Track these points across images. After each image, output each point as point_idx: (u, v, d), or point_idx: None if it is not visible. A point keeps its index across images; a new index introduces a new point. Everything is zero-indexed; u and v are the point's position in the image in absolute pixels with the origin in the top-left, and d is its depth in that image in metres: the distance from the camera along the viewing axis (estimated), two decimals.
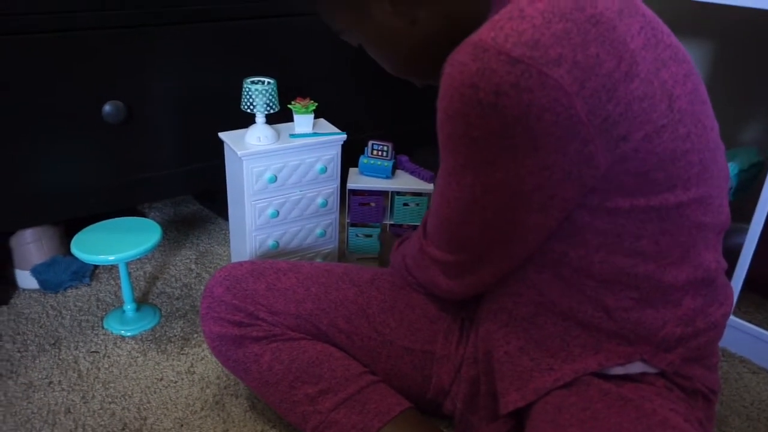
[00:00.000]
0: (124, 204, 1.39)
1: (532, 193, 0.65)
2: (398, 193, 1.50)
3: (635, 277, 0.71)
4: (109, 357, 1.18)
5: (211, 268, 1.50)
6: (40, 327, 1.26)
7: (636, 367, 0.75)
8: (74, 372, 1.14)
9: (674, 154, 0.65)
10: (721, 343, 1.28)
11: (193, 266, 1.50)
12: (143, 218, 1.29)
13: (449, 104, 0.63)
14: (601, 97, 0.60)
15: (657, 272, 0.70)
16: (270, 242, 1.34)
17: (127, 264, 1.22)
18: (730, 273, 1.21)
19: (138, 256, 1.18)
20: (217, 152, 1.48)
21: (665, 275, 0.70)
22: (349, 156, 1.68)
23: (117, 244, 1.19)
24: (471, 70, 0.60)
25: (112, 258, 1.16)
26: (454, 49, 0.64)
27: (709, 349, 0.77)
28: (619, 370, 0.75)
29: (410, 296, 0.96)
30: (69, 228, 1.51)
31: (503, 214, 0.68)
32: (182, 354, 1.20)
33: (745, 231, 1.19)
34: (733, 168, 1.32)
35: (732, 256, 1.15)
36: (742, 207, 1.28)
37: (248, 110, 1.24)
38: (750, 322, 1.27)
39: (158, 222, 1.71)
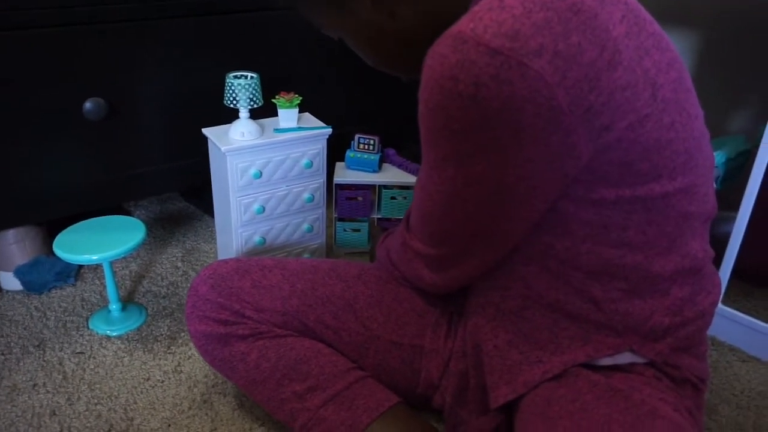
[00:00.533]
0: (108, 202, 1.37)
1: (514, 185, 0.64)
2: (385, 186, 1.49)
3: (623, 267, 0.70)
4: (94, 358, 1.17)
5: (197, 265, 1.48)
6: (24, 329, 1.24)
7: (624, 358, 0.75)
8: (59, 374, 1.13)
9: (659, 144, 0.64)
10: (711, 332, 1.28)
11: (179, 264, 1.48)
12: (127, 216, 1.27)
13: (429, 97, 0.63)
14: (583, 87, 0.59)
15: (644, 262, 0.70)
16: (256, 238, 1.33)
17: (112, 263, 1.20)
18: (718, 262, 1.21)
19: (122, 255, 1.17)
20: (201, 148, 1.46)
21: (653, 265, 0.70)
22: (336, 150, 1.66)
23: (100, 243, 1.17)
24: (450, 62, 0.59)
25: (95, 258, 1.14)
26: (435, 41, 0.63)
27: (697, 338, 0.77)
28: (607, 361, 0.75)
29: (397, 290, 0.95)
30: (52, 228, 1.49)
31: (485, 206, 0.67)
32: (169, 353, 1.19)
33: (732, 219, 1.19)
34: (720, 157, 1.32)
35: (720, 244, 1.15)
36: (730, 196, 1.28)
37: (231, 105, 1.22)
38: (739, 310, 1.27)
39: (143, 220, 1.69)
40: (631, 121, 0.62)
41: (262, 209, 1.30)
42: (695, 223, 0.71)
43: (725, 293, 1.25)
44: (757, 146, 1.15)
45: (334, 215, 1.50)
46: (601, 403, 0.70)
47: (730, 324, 1.25)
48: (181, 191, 1.83)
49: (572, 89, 0.59)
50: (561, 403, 0.72)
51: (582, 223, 0.68)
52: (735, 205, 1.18)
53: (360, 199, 1.48)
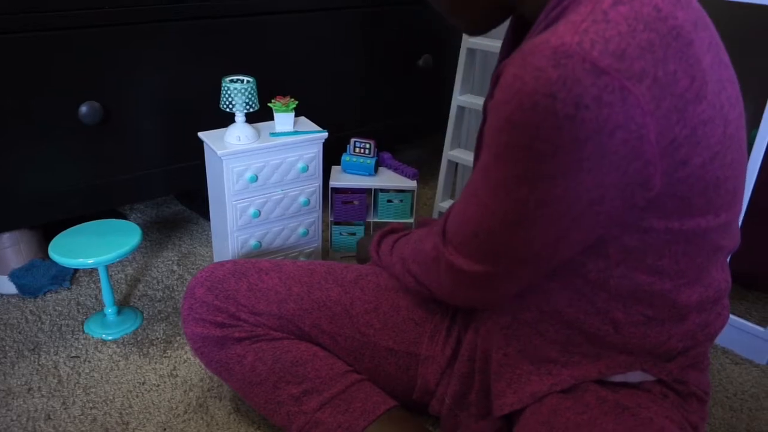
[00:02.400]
0: (104, 206, 1.37)
1: (584, 210, 0.62)
2: (381, 190, 1.49)
3: (651, 294, 0.70)
4: (89, 362, 1.17)
5: (193, 269, 1.48)
6: (19, 333, 1.24)
7: (635, 376, 0.75)
8: (54, 378, 1.12)
9: (717, 182, 0.63)
10: None
11: (175, 268, 1.48)
12: (123, 220, 1.27)
13: (516, 111, 0.57)
14: (672, 118, 0.57)
15: (673, 291, 0.69)
16: (252, 242, 1.33)
17: (107, 267, 1.20)
18: None
19: (118, 259, 1.16)
20: (197, 152, 1.46)
21: (680, 294, 0.70)
22: (332, 154, 1.67)
23: (96, 247, 1.17)
24: (550, 78, 0.54)
25: (91, 261, 1.14)
26: (524, 49, 0.58)
27: (703, 354, 0.77)
28: (618, 378, 0.75)
29: (395, 298, 0.95)
30: (47, 232, 1.49)
31: (549, 229, 0.64)
32: (164, 357, 1.19)
33: None
34: None
35: None
36: None
37: (227, 109, 1.22)
38: (732, 313, 1.28)
39: (140, 224, 1.69)
40: (704, 158, 0.61)
41: (258, 213, 1.30)
42: (723, 255, 0.71)
43: None
44: (749, 150, 1.16)
45: (330, 219, 1.50)
46: (608, 419, 0.70)
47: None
48: (177, 195, 1.83)
49: (662, 119, 0.57)
50: (567, 415, 0.72)
51: (621, 248, 0.67)
52: None
53: (356, 203, 1.49)
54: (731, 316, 1.25)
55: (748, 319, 1.25)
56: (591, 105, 0.54)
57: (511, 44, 0.80)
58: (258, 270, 0.97)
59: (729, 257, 0.75)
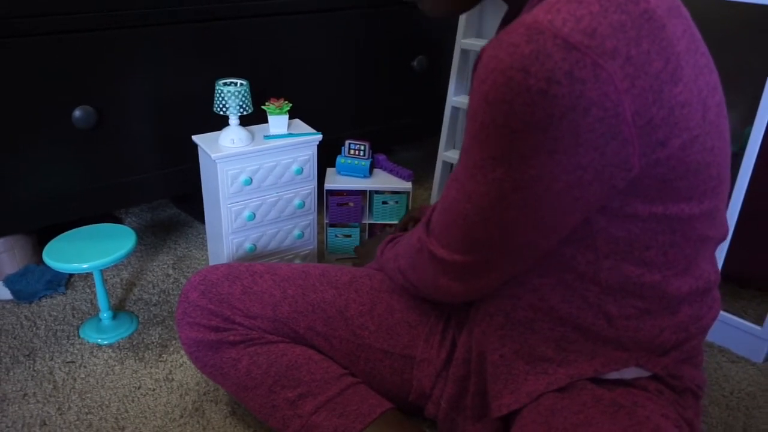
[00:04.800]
0: (98, 210, 1.37)
1: (562, 192, 0.62)
2: (376, 191, 1.49)
3: (641, 286, 0.70)
4: (85, 367, 1.16)
5: (188, 272, 1.48)
6: (14, 338, 1.24)
7: (630, 372, 0.75)
8: (49, 383, 1.12)
9: (699, 166, 0.63)
10: None
11: (170, 271, 1.48)
12: (117, 224, 1.27)
13: (491, 89, 0.58)
14: (648, 98, 0.57)
15: (662, 283, 0.70)
16: (247, 245, 1.33)
17: (102, 271, 1.20)
18: None
19: (112, 264, 1.16)
20: (192, 155, 1.46)
21: (669, 285, 0.70)
22: (327, 156, 1.67)
23: (91, 251, 1.17)
24: (523, 53, 0.55)
25: (85, 266, 1.13)
26: (500, 32, 0.59)
27: (697, 349, 0.77)
28: (614, 375, 0.75)
29: (390, 300, 0.95)
30: (42, 237, 1.49)
31: (527, 213, 0.64)
32: (160, 361, 1.18)
33: None
34: None
35: None
36: None
37: (221, 112, 1.22)
38: (727, 311, 1.28)
39: (135, 227, 1.68)
40: (683, 140, 0.61)
41: (253, 216, 1.30)
42: (711, 246, 0.72)
43: None
44: (742, 149, 1.16)
45: (326, 221, 1.50)
46: (605, 418, 0.70)
47: (719, 325, 1.26)
48: (171, 198, 1.83)
49: (638, 98, 0.57)
50: (564, 414, 0.72)
51: (608, 239, 0.67)
52: None
53: (351, 204, 1.48)
54: (727, 315, 1.25)
55: (744, 317, 1.25)
56: (563, 80, 0.55)
57: None
58: (252, 273, 0.97)
59: (717, 249, 0.75)
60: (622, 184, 0.63)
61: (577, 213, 0.64)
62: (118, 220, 1.70)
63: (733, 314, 1.26)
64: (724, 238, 0.73)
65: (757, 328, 1.21)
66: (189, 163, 1.46)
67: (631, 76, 0.56)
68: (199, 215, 1.71)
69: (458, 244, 0.70)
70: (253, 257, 1.35)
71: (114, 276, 1.45)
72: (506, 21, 0.77)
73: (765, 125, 1.12)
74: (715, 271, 0.75)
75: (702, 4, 1.22)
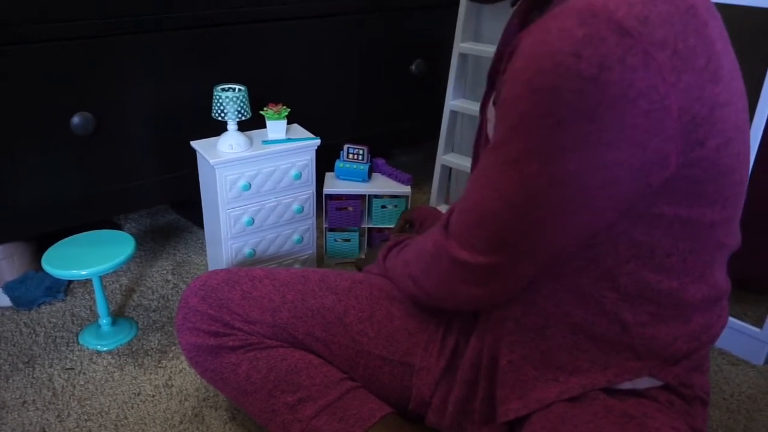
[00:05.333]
0: (98, 216, 1.37)
1: (598, 190, 0.59)
2: (375, 196, 1.49)
3: (659, 293, 0.69)
4: (84, 373, 1.16)
5: (188, 278, 1.48)
6: (13, 345, 1.23)
7: (643, 382, 0.74)
8: (49, 390, 1.12)
9: (727, 170, 0.62)
10: None
11: (169, 277, 1.48)
12: (116, 230, 1.27)
13: (536, 76, 0.55)
14: (692, 95, 0.56)
15: (680, 290, 0.69)
16: (246, 250, 1.33)
17: (102, 278, 1.20)
18: None
19: (111, 270, 1.16)
20: (191, 160, 1.46)
21: (685, 293, 0.69)
22: (326, 160, 1.67)
23: (90, 258, 1.17)
24: (576, 36, 0.53)
25: (84, 273, 1.13)
26: (544, 18, 0.56)
27: (705, 357, 0.77)
28: (627, 385, 0.74)
29: (390, 307, 0.95)
30: (41, 243, 1.49)
31: (561, 212, 0.61)
32: (160, 367, 1.18)
33: None
34: None
35: None
36: None
37: (219, 118, 1.22)
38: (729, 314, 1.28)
39: (134, 233, 1.68)
40: (719, 141, 0.60)
41: (252, 221, 1.30)
42: (725, 254, 0.71)
43: None
44: None
45: (325, 225, 1.50)
46: (615, 429, 0.69)
47: None
48: (171, 203, 1.83)
49: (683, 94, 0.56)
50: (574, 423, 0.71)
51: (630, 243, 0.66)
52: None
53: (350, 209, 1.48)
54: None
55: (744, 320, 1.25)
56: (615, 66, 0.53)
57: (516, 31, 0.77)
58: (251, 278, 0.97)
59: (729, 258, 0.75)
60: (657, 183, 0.61)
61: (608, 213, 0.62)
62: (117, 226, 1.70)
63: (733, 317, 1.26)
64: (737, 247, 0.72)
65: (757, 330, 1.21)
66: (188, 168, 1.46)
67: (678, 70, 0.55)
68: (198, 220, 1.71)
69: (483, 244, 0.66)
70: (253, 262, 1.35)
71: (113, 282, 1.45)
72: (534, 7, 0.75)
73: (763, 126, 1.12)
74: (727, 281, 0.75)
75: None
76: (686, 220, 0.65)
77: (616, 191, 0.60)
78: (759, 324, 1.24)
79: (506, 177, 0.62)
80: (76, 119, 1.26)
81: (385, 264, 0.95)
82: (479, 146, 0.84)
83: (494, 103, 0.70)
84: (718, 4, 1.16)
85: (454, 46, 1.55)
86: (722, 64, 0.59)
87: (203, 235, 1.68)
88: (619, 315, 0.71)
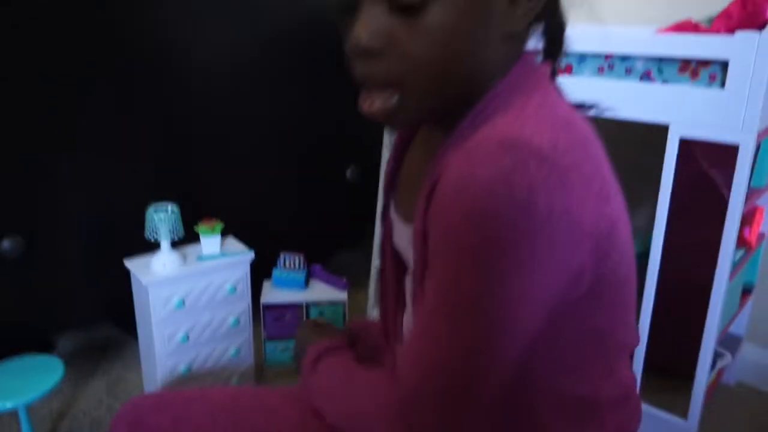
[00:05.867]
0: (31, 339, 1.34)
1: (535, 314, 0.61)
2: (313, 303, 1.51)
3: (573, 396, 0.71)
4: None
5: (122, 397, 1.44)
6: None
7: None
8: None
9: (625, 280, 0.67)
10: None
11: (103, 397, 1.44)
12: (45, 355, 1.24)
13: (474, 207, 0.56)
14: (595, 213, 0.61)
15: (591, 392, 0.72)
16: (181, 367, 1.31)
17: (28, 406, 1.16)
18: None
19: (37, 398, 1.13)
20: (125, 276, 1.46)
21: (597, 395, 0.72)
22: (264, 265, 1.69)
23: (14, 387, 1.13)
24: (503, 165, 0.55)
25: (9, 404, 1.10)
26: (462, 150, 0.58)
27: None
28: None
29: (321, 426, 0.95)
30: None
31: (509, 343, 0.60)
32: None
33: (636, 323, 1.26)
34: None
35: None
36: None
37: (152, 238, 1.24)
38: (654, 405, 1.32)
39: (68, 350, 1.64)
40: (620, 254, 0.64)
41: (187, 338, 1.29)
42: (627, 352, 0.76)
43: (640, 388, 1.30)
44: (648, 248, 1.25)
45: (263, 334, 1.50)
46: None
47: (644, 418, 1.29)
48: (106, 320, 1.80)
49: (591, 212, 0.60)
50: None
51: (545, 352, 0.68)
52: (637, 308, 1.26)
53: (288, 317, 1.50)
54: (653, 409, 1.29)
55: (668, 410, 1.29)
56: (541, 189, 0.56)
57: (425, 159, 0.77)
58: (184, 399, 0.96)
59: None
60: (574, 296, 0.64)
61: (537, 326, 0.63)
62: (50, 344, 1.66)
63: (660, 408, 1.30)
64: (637, 344, 0.77)
65: (683, 422, 1.25)
66: (124, 283, 1.45)
67: (585, 190, 0.60)
68: (135, 332, 1.69)
69: (447, 399, 0.62)
70: (188, 379, 1.33)
71: (44, 406, 1.40)
72: (430, 137, 0.76)
73: (664, 227, 1.21)
74: (632, 377, 0.79)
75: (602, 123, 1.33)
76: (593, 329, 0.69)
77: (546, 310, 0.63)
78: (684, 414, 1.29)
79: (461, 326, 0.59)
80: (5, 243, 1.26)
81: (307, 381, 0.94)
82: (386, 258, 0.85)
83: (402, 218, 0.73)
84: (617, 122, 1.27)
85: (383, 151, 1.63)
86: (610, 184, 0.65)
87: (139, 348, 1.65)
88: (536, 419, 0.73)
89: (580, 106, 0.72)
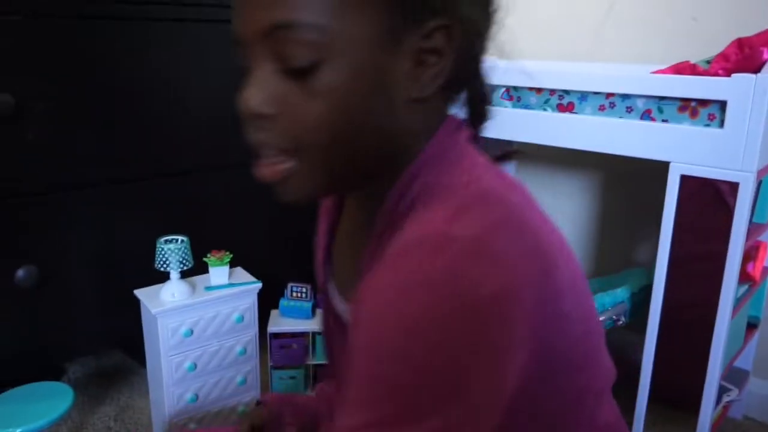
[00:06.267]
0: (42, 366, 1.37)
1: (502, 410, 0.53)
2: (320, 333, 1.53)
3: None
4: None
5: (130, 424, 1.46)
6: None
7: None
8: None
9: (579, 337, 0.61)
10: None
11: (111, 424, 1.46)
12: (55, 383, 1.27)
13: (413, 317, 0.48)
14: (540, 290, 0.54)
15: None
16: (188, 396, 1.33)
17: None
18: (635, 387, 1.28)
19: (46, 426, 1.15)
20: (135, 306, 1.48)
21: None
22: (271, 295, 1.71)
23: (24, 415, 1.16)
24: (435, 265, 0.48)
25: (18, 431, 1.12)
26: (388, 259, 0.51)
27: None
28: None
29: None
30: None
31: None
32: None
33: (640, 350, 1.27)
34: (625, 292, 1.43)
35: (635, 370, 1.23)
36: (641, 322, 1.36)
37: (162, 269, 1.27)
38: None
39: (78, 376, 1.66)
40: (570, 314, 0.58)
41: (194, 366, 1.31)
42: (607, 391, 0.75)
43: (645, 417, 1.31)
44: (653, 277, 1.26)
45: (270, 363, 1.52)
46: None
47: None
48: (116, 348, 1.82)
49: (536, 292, 0.54)
50: None
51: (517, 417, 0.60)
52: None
53: (294, 346, 1.51)
54: None
55: None
56: (480, 281, 0.50)
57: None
58: None
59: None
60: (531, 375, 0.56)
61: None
62: (60, 370, 1.68)
63: None
64: (612, 380, 0.74)
65: None
66: (133, 312, 1.48)
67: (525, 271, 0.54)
68: (143, 361, 1.71)
69: None
70: (196, 407, 1.35)
71: None
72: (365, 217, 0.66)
73: (666, 264, 1.23)
74: (615, 409, 0.78)
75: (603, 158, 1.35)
76: (579, 388, 0.67)
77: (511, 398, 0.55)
78: None
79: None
80: (20, 272, 1.29)
81: None
82: (328, 321, 0.74)
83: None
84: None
85: None
86: (555, 247, 0.59)
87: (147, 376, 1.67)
88: None
89: (505, 156, 0.65)
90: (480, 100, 0.59)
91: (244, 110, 0.52)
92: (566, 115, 1.31)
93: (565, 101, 1.32)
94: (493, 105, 0.61)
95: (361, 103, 0.51)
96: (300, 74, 0.50)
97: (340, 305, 0.67)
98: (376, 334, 0.50)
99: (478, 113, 0.60)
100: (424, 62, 0.51)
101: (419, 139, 0.56)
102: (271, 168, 0.53)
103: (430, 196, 0.56)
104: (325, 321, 0.74)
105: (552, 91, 1.34)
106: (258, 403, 0.89)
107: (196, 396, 1.34)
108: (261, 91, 0.51)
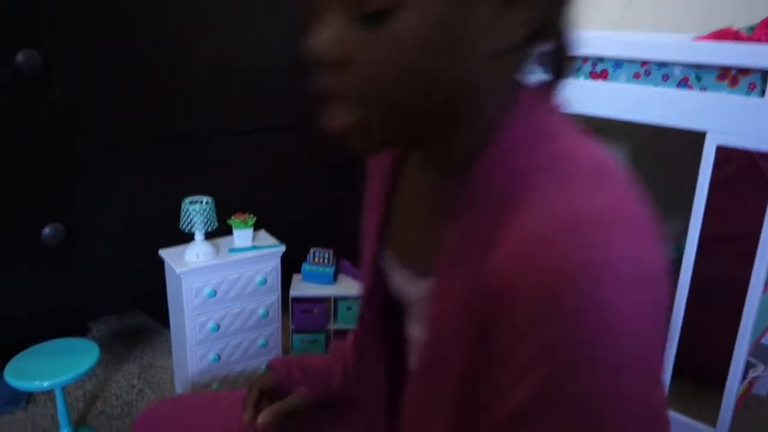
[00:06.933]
0: (67, 323, 1.39)
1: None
2: (341, 298, 1.53)
3: None
4: None
5: (153, 383, 1.48)
6: None
7: None
8: None
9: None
10: None
11: (135, 382, 1.48)
12: (81, 339, 1.28)
13: (568, 306, 0.43)
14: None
15: None
16: (211, 356, 1.34)
17: (64, 387, 1.20)
18: None
19: (73, 380, 1.17)
20: (159, 266, 1.49)
21: None
22: (294, 260, 1.71)
23: (52, 369, 1.18)
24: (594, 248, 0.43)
25: (46, 384, 1.14)
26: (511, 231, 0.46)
27: None
28: None
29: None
30: (4, 351, 1.49)
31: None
32: None
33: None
34: None
35: None
36: None
37: (187, 230, 1.27)
38: (684, 413, 1.31)
39: (103, 335, 1.69)
40: None
41: (217, 327, 1.32)
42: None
43: (668, 393, 1.29)
44: (679, 258, 1.24)
45: (291, 327, 1.53)
46: None
47: (674, 426, 1.28)
48: (140, 308, 1.84)
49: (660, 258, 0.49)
50: None
51: None
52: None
53: (315, 311, 1.52)
54: (682, 417, 1.28)
55: (699, 419, 1.28)
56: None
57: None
58: (198, 407, 0.97)
59: None
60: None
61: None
62: (85, 329, 1.71)
63: (687, 415, 1.29)
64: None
65: (711, 430, 1.24)
66: (157, 273, 1.49)
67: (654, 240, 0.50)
68: (166, 321, 1.73)
69: None
70: (218, 367, 1.36)
71: (77, 388, 1.44)
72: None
73: (698, 233, 1.20)
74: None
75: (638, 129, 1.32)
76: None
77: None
78: (713, 423, 1.27)
79: None
80: (47, 230, 1.30)
81: None
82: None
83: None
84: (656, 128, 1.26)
85: None
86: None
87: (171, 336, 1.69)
88: None
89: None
90: (564, 54, 0.53)
91: (316, 55, 0.49)
92: (599, 83, 1.28)
93: (598, 68, 1.29)
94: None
95: (438, 54, 0.47)
96: (374, 21, 0.46)
97: (399, 275, 0.63)
98: (571, 323, 0.43)
99: (560, 69, 0.53)
100: (513, 3, 0.46)
101: (497, 98, 0.51)
102: (341, 119, 0.50)
103: (547, 171, 0.50)
104: (368, 287, 0.69)
105: (585, 59, 1.31)
106: (267, 367, 0.88)
107: (219, 356, 1.36)
108: (333, 36, 0.48)
